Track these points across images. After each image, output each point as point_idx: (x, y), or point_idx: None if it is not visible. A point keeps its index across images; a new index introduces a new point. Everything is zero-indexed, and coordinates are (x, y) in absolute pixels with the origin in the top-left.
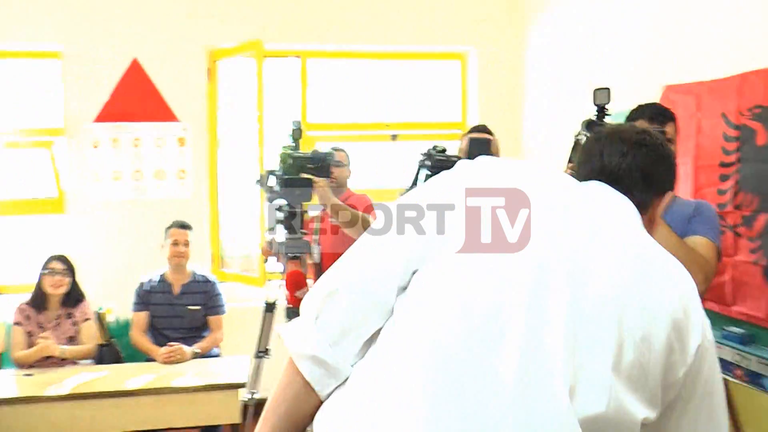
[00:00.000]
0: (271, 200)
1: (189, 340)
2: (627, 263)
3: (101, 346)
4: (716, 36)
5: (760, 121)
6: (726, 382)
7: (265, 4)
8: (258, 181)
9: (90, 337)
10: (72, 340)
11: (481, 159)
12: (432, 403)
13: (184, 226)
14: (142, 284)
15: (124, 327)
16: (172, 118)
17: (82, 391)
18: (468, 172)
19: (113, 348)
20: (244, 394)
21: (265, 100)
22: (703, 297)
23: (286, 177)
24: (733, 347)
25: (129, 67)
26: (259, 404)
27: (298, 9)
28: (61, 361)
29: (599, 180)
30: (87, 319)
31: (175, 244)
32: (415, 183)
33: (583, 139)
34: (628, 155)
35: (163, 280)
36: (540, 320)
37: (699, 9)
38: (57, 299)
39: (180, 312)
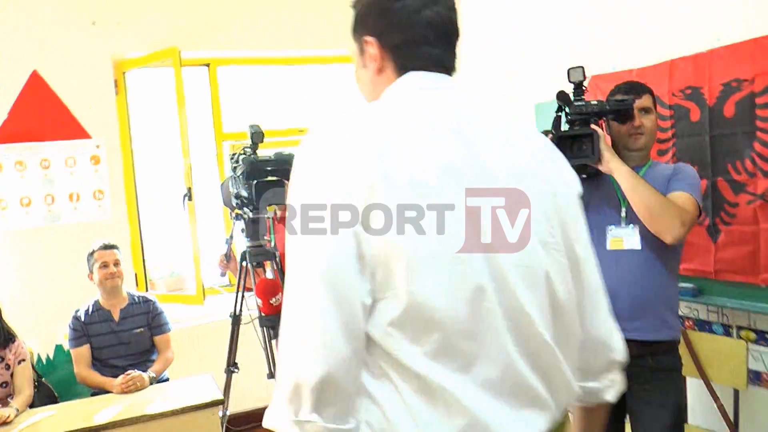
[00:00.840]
0: (238, 207)
1: (139, 366)
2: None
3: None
4: (642, 26)
5: (692, 100)
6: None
7: (173, 12)
8: (185, 195)
9: (27, 380)
10: (4, 385)
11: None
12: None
13: (109, 247)
14: (77, 317)
15: (51, 365)
16: (83, 135)
17: None
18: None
19: (45, 387)
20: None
21: (186, 111)
22: (682, 241)
23: (257, 181)
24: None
25: (28, 80)
26: (232, 420)
27: (206, 16)
28: None
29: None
30: (22, 360)
31: (105, 266)
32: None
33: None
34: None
35: (99, 308)
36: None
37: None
38: None
39: (124, 338)
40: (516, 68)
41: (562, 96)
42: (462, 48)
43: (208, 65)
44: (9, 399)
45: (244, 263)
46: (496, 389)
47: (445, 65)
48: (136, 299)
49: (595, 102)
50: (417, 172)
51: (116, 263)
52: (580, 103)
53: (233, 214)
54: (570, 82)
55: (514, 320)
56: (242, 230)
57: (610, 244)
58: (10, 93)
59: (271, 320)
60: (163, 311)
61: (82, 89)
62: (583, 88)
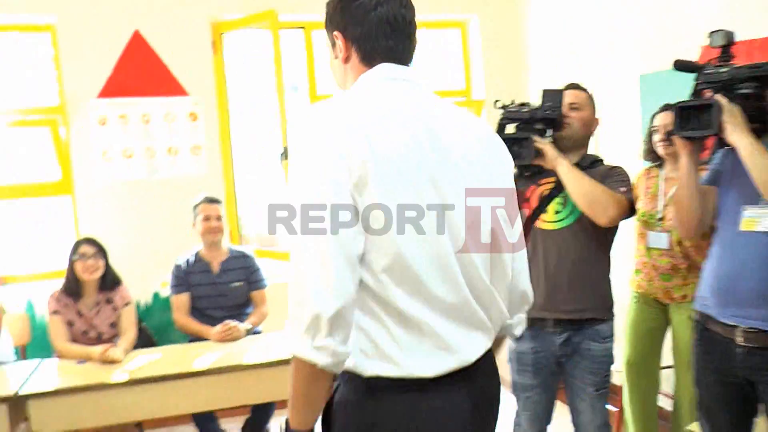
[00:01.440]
0: None
1: (234, 318)
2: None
3: None
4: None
5: None
6: None
7: None
8: (282, 153)
9: (131, 322)
10: (113, 326)
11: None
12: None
13: (213, 201)
14: (178, 266)
15: (149, 311)
16: (181, 92)
17: (149, 375)
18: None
19: (144, 332)
20: None
21: (284, 73)
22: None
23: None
24: None
25: (131, 40)
26: None
27: None
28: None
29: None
30: (127, 304)
31: (207, 219)
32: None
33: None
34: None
35: (200, 259)
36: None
37: None
38: (93, 285)
39: (223, 290)
40: (597, 45)
41: (680, 65)
42: (545, 27)
43: (303, 28)
44: (115, 339)
45: None
46: (455, 318)
47: (401, 56)
48: (236, 253)
49: (726, 69)
50: (396, 152)
51: (218, 218)
52: (709, 71)
53: None
54: (715, 46)
55: (466, 270)
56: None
57: (743, 225)
58: (114, 51)
59: None
60: (260, 267)
61: (181, 49)
62: (729, 51)
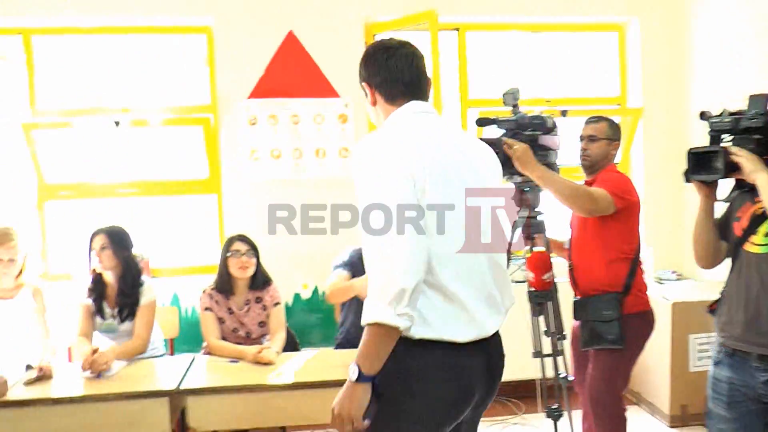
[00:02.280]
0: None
1: None
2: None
3: None
4: None
5: None
6: None
7: None
8: None
9: (281, 323)
10: (262, 325)
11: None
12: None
13: None
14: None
15: (290, 312)
16: (332, 94)
17: (307, 380)
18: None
19: (289, 334)
20: None
21: (441, 76)
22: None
23: None
24: None
25: (284, 41)
26: None
27: None
28: (247, 341)
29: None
30: (277, 304)
31: None
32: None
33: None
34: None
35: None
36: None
37: None
38: (244, 283)
39: None
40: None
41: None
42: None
43: (457, 30)
44: (263, 339)
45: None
46: (481, 298)
47: (418, 93)
48: None
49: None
50: (440, 163)
51: None
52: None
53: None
54: None
55: (491, 258)
56: (513, 198)
57: None
58: (267, 52)
59: (540, 296)
60: None
61: (333, 50)
62: None
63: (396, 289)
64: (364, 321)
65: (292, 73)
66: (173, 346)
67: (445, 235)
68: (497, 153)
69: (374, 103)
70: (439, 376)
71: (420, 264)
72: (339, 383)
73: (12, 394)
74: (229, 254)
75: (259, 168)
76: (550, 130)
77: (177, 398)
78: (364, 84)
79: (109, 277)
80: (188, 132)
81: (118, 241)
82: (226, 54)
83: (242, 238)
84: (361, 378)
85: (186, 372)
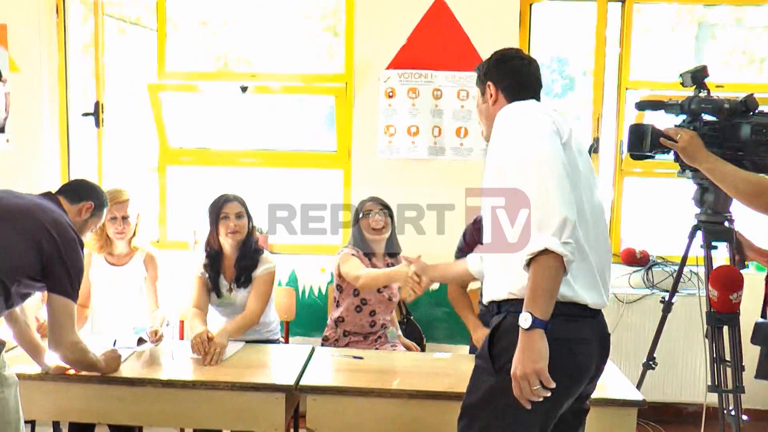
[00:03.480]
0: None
1: None
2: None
3: (399, 323)
4: None
5: None
6: None
7: None
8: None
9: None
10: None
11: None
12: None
13: None
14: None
15: (416, 303)
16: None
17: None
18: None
19: (414, 326)
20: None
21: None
22: None
23: None
24: None
25: (432, 7)
26: None
27: None
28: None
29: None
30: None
31: None
32: None
33: None
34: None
35: None
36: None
37: None
38: (380, 246)
39: None
40: None
41: None
42: None
43: (623, 1)
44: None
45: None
46: (600, 270)
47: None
48: None
49: None
50: (573, 130)
51: None
52: None
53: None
54: None
55: (606, 241)
56: (693, 198)
57: None
58: (411, 19)
59: (722, 319)
60: None
61: (485, 20)
62: None
63: (559, 218)
64: (527, 256)
65: (437, 43)
66: (288, 330)
67: (580, 194)
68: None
69: (494, 103)
70: (561, 345)
71: (573, 202)
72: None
73: (122, 372)
74: (361, 216)
75: (393, 145)
76: (731, 114)
77: (293, 394)
78: (489, 84)
79: (228, 249)
80: (318, 102)
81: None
82: (366, 19)
83: (374, 199)
84: (535, 323)
85: (305, 366)
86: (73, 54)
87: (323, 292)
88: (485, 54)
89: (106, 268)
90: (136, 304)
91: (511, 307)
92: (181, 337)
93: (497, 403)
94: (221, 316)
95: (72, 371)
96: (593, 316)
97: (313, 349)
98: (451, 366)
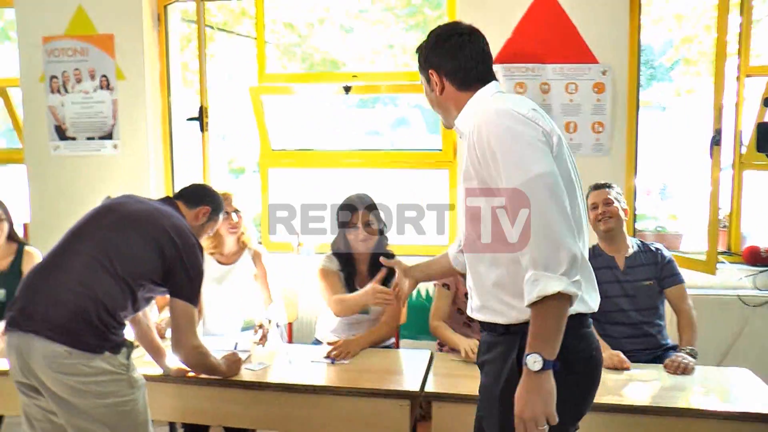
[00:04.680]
0: None
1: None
2: None
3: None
4: None
5: None
6: None
7: None
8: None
9: None
10: None
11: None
12: None
13: (601, 186)
14: None
15: None
16: (589, 59)
17: None
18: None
19: None
20: None
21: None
22: None
23: None
24: None
25: None
26: None
27: None
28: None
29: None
30: None
31: (594, 207)
32: None
33: None
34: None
35: (600, 253)
36: None
37: None
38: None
39: (630, 290)
40: None
41: None
42: None
43: None
44: None
45: None
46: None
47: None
48: (641, 246)
49: None
50: (557, 134)
51: (607, 202)
52: None
53: None
54: None
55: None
56: None
57: None
58: (517, 11)
59: None
60: (673, 259)
61: (593, 9)
62: None
63: (568, 256)
64: (532, 298)
65: (543, 35)
66: (398, 334)
67: (571, 199)
68: None
69: (441, 92)
70: (591, 347)
71: (574, 228)
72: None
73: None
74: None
75: None
76: None
77: (417, 401)
78: (431, 72)
79: (360, 253)
80: (420, 100)
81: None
82: (467, 11)
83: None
84: (546, 366)
85: (427, 371)
86: (174, 61)
87: (431, 294)
88: (594, 44)
89: (216, 267)
90: (246, 302)
91: (522, 329)
92: (290, 340)
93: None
94: (344, 324)
95: (192, 374)
96: (590, 323)
97: (432, 354)
98: None
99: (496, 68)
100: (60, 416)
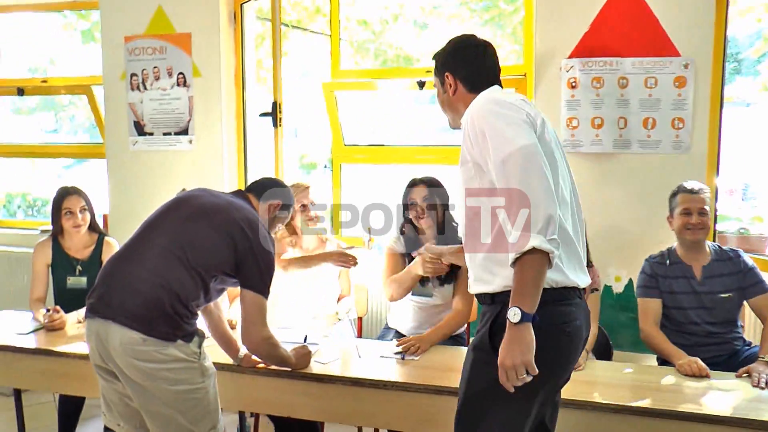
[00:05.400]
0: None
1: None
2: None
3: None
4: None
5: None
6: None
7: None
8: None
9: (595, 314)
10: None
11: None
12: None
13: (698, 192)
14: (652, 263)
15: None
16: (670, 52)
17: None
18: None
19: (601, 333)
20: None
21: None
22: None
23: None
24: None
25: None
26: None
27: None
28: None
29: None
30: (594, 290)
31: (686, 212)
32: None
33: None
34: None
35: (677, 260)
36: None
37: None
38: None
39: (707, 302)
40: None
41: None
42: None
43: None
44: None
45: None
46: (580, 252)
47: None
48: (720, 254)
49: None
50: (540, 116)
51: (702, 212)
52: None
53: None
54: None
55: (581, 225)
56: None
57: None
58: (596, 3)
59: None
60: (755, 267)
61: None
62: None
63: (545, 216)
64: (513, 254)
65: (623, 28)
66: (469, 331)
67: (554, 173)
68: None
69: (454, 93)
70: (569, 323)
71: (556, 196)
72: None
73: (312, 368)
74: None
75: (576, 138)
76: None
77: None
78: (447, 74)
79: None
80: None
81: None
82: (546, 6)
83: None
84: (524, 317)
85: None
86: (248, 58)
87: None
88: (676, 36)
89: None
90: (324, 295)
91: (506, 298)
92: (359, 334)
93: (503, 390)
94: (414, 310)
95: (262, 365)
96: (580, 296)
97: None
98: (648, 379)
99: (573, 62)
100: (134, 400)
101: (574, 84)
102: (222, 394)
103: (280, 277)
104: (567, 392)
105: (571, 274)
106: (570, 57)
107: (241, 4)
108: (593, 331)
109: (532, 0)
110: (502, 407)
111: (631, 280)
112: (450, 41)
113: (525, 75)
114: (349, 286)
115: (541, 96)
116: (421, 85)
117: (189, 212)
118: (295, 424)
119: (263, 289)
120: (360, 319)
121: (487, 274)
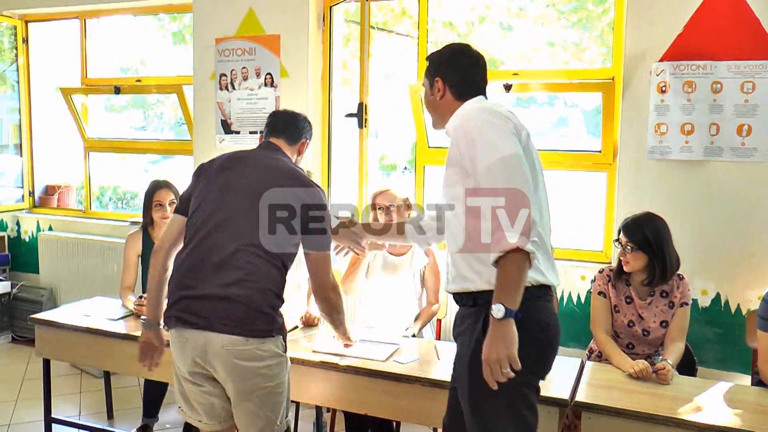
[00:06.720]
0: None
1: None
2: None
3: None
4: None
5: None
6: None
7: None
8: None
9: (682, 329)
10: (663, 325)
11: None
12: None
13: None
14: None
15: None
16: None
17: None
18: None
19: (686, 348)
20: None
21: None
22: None
23: None
24: None
25: None
26: None
27: None
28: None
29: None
30: (684, 304)
31: None
32: None
33: None
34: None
35: None
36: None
37: None
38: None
39: None
40: None
41: None
42: None
43: None
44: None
45: None
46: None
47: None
48: None
49: None
50: (524, 128)
51: None
52: None
53: None
54: None
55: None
56: None
57: None
58: (690, 3)
59: None
60: None
61: None
62: None
63: (526, 220)
64: (495, 254)
65: (719, 29)
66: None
67: (534, 182)
68: None
69: (441, 98)
70: (539, 322)
71: (536, 202)
72: None
73: (389, 367)
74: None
75: (664, 145)
76: None
77: (565, 410)
78: (438, 79)
79: None
80: (580, 99)
81: None
82: (637, 7)
83: (632, 226)
84: (508, 314)
85: (577, 379)
86: (335, 60)
87: (582, 300)
88: None
89: (385, 256)
90: (408, 295)
91: (488, 298)
92: (438, 336)
93: (509, 387)
94: None
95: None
96: (553, 294)
97: (582, 363)
98: (734, 398)
99: (664, 65)
100: (232, 398)
101: (664, 88)
102: (301, 388)
103: (364, 280)
104: (653, 407)
105: (548, 274)
106: (661, 60)
107: (330, 7)
108: (680, 346)
109: (623, 1)
110: (520, 398)
111: (718, 294)
112: (446, 47)
113: (613, 79)
114: (436, 292)
115: (629, 100)
116: (507, 88)
117: (245, 207)
118: (369, 423)
119: (326, 246)
120: (439, 321)
121: (470, 272)
